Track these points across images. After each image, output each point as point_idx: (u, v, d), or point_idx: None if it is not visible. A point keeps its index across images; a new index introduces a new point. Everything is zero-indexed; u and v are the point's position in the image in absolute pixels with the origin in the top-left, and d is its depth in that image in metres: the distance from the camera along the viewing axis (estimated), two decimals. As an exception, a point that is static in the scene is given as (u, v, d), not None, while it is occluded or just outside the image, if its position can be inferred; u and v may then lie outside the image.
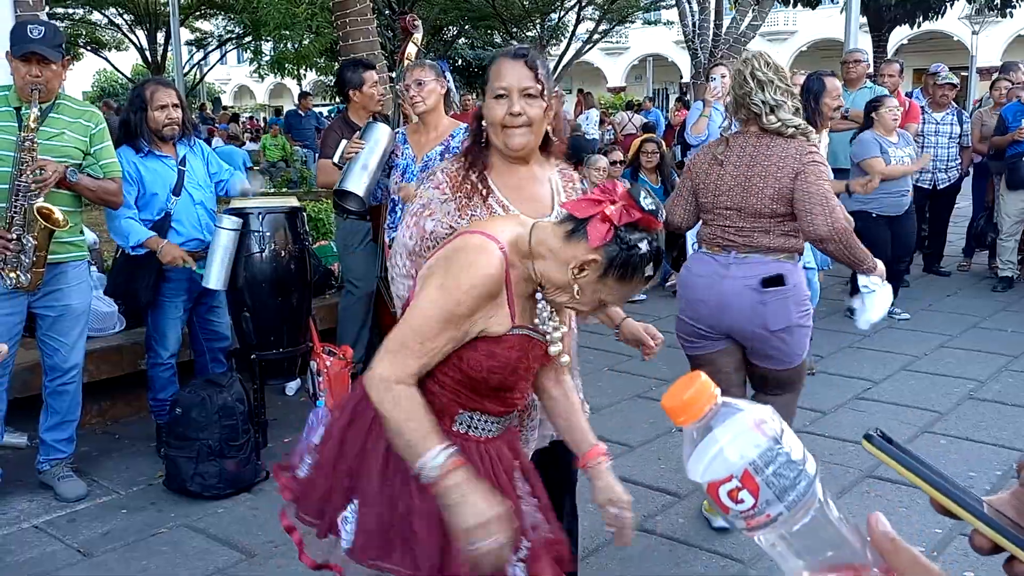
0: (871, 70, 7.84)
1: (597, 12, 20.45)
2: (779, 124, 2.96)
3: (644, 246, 1.62)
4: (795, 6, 20.54)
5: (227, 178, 4.15)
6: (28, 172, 3.22)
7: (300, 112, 16.39)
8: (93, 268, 4.65)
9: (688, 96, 16.09)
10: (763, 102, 2.96)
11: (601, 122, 15.91)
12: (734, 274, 3.00)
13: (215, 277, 3.74)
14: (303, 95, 18.36)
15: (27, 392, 3.89)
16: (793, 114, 2.98)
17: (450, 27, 21.22)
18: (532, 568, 1.77)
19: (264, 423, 4.07)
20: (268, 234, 3.89)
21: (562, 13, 21.05)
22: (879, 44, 18.83)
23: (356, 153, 3.93)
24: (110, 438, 4.32)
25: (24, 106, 3.32)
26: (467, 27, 22.21)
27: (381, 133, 3.97)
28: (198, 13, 23.40)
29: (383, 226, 4.21)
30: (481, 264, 1.66)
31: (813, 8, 21.20)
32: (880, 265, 3.02)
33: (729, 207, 3.01)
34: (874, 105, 5.93)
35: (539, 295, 1.74)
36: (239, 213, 3.85)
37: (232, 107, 30.51)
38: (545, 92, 2.04)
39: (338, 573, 1.84)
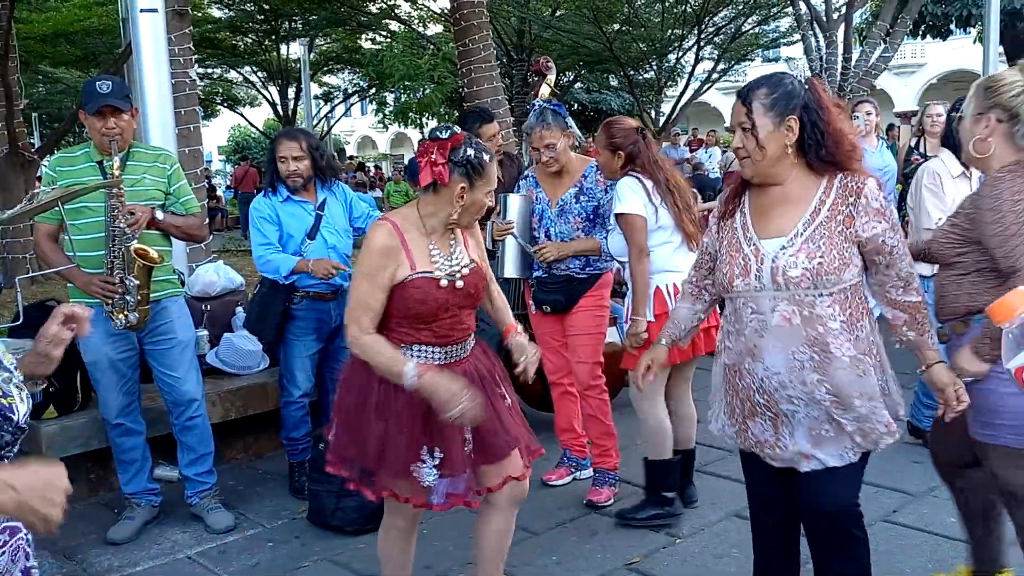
0: None
1: (715, 52, 20.26)
2: None
3: (469, 150, 2.39)
4: (923, 38, 19.82)
5: (367, 225, 4.23)
6: (120, 217, 3.39)
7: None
8: (239, 308, 4.88)
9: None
10: None
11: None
12: None
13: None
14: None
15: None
16: None
17: (566, 72, 21.44)
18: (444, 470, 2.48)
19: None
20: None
21: (679, 54, 20.95)
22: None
23: (505, 236, 3.91)
24: (255, 473, 4.46)
25: (104, 159, 3.50)
26: (583, 71, 22.41)
27: (519, 204, 3.96)
28: (326, 68, 24.60)
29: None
30: (376, 236, 2.45)
31: (944, 39, 20.42)
32: None
33: None
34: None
35: (431, 245, 2.46)
36: None
37: (356, 157, 31.74)
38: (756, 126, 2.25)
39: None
